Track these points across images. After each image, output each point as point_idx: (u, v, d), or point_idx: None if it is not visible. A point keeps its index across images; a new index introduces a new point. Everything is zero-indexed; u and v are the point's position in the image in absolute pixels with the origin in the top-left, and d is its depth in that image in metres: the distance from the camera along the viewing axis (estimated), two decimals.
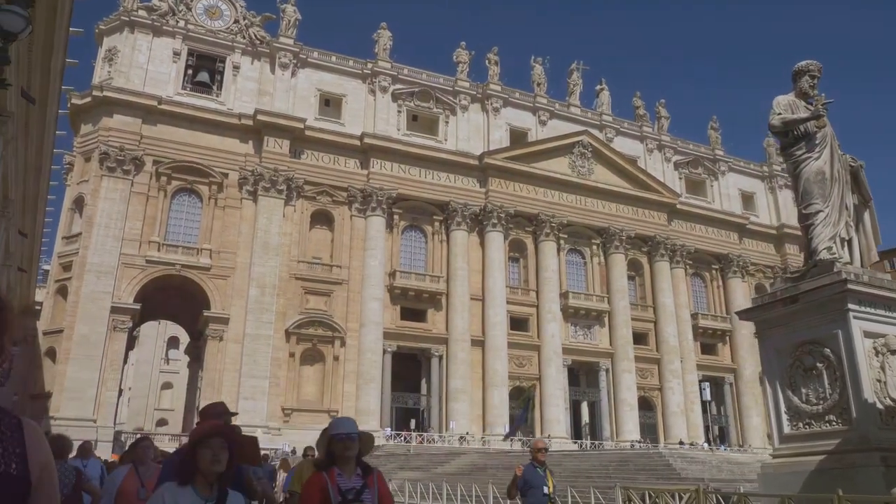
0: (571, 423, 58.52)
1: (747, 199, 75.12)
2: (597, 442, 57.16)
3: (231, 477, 4.17)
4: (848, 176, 12.22)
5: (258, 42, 56.53)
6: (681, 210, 68.34)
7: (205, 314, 49.20)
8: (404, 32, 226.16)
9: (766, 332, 12.02)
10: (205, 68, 55.54)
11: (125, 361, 53.16)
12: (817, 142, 12.06)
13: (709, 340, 67.67)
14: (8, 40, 8.75)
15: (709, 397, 59.78)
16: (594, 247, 63.71)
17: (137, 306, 47.69)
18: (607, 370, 60.64)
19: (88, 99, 50.38)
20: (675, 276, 66.28)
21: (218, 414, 5.89)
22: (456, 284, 56.02)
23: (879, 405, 10.12)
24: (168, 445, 40.71)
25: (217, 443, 4.00)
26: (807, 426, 10.90)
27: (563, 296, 59.85)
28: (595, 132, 66.79)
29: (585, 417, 61.51)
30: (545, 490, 9.68)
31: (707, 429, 62.67)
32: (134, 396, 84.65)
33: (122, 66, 51.85)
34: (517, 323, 58.28)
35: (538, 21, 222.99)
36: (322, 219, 54.99)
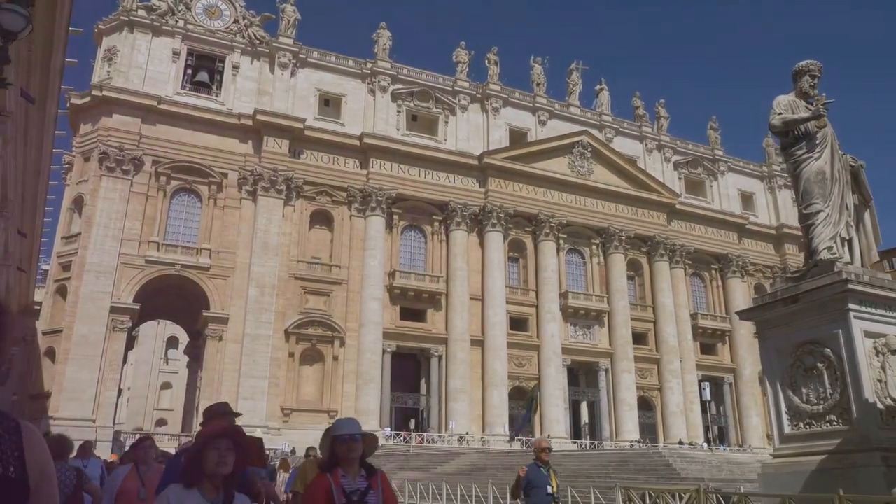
0: (571, 423, 58.54)
1: (747, 199, 75.16)
2: (596, 442, 57.17)
3: (237, 479, 4.09)
4: (848, 176, 12.23)
5: (258, 42, 56.51)
6: (680, 210, 68.37)
7: (204, 314, 49.17)
8: (404, 32, 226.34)
9: (767, 332, 12.03)
10: (204, 68, 55.50)
11: (124, 361, 53.14)
12: (818, 142, 12.06)
13: (708, 340, 67.70)
14: (8, 39, 8.74)
15: (708, 397, 59.78)
16: (594, 247, 63.73)
17: (137, 306, 47.65)
18: (607, 370, 60.66)
19: (88, 99, 50.33)
20: (675, 276, 66.31)
21: (221, 414, 5.85)
22: (455, 284, 56.02)
23: (880, 405, 10.12)
24: (167, 445, 40.70)
25: (223, 444, 3.92)
26: (807, 426, 10.90)
27: (563, 296, 59.86)
28: (594, 132, 66.81)
29: (585, 417, 61.51)
30: (549, 490, 9.66)
31: (706, 429, 62.69)
32: (133, 396, 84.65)
33: (122, 66, 51.82)
34: (517, 323, 58.28)
35: (538, 21, 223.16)
36: (321, 219, 54.97)
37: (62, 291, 47.64)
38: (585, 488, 20.80)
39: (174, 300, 54.17)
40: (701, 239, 69.28)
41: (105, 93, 49.66)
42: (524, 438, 52.86)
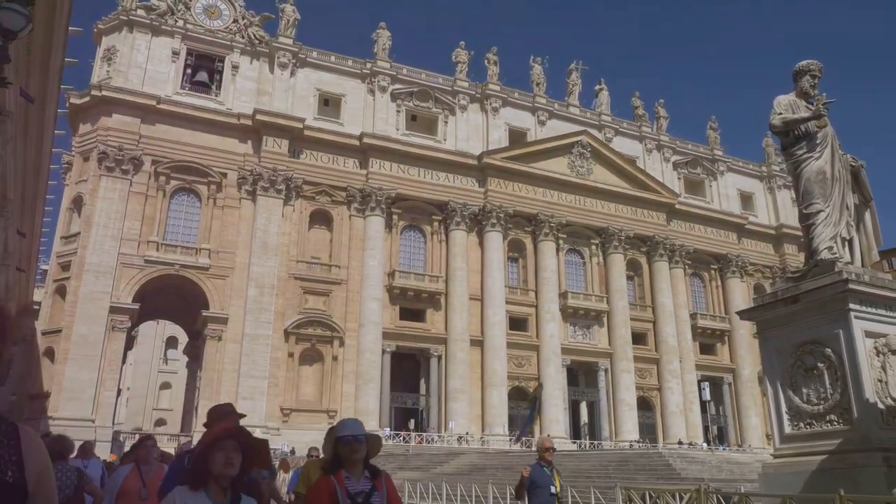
0: (570, 423, 58.53)
1: (746, 200, 75.17)
2: (596, 442, 57.17)
3: (244, 481, 4.03)
4: (849, 176, 12.24)
5: (257, 42, 56.47)
6: (680, 210, 68.39)
7: (203, 314, 49.14)
8: (403, 32, 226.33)
9: (767, 331, 12.04)
10: (204, 68, 55.47)
11: (124, 361, 53.09)
12: (818, 141, 12.07)
13: (707, 340, 67.72)
14: (8, 38, 8.72)
15: (708, 397, 59.77)
16: (593, 247, 63.73)
17: (136, 306, 47.62)
18: (606, 370, 60.66)
19: (87, 98, 50.27)
20: (674, 276, 66.33)
21: (225, 415, 5.82)
22: (455, 284, 56.01)
23: (881, 405, 10.13)
24: (167, 445, 40.65)
25: (230, 445, 3.85)
26: (808, 426, 10.90)
27: (562, 296, 59.85)
28: (594, 132, 66.82)
29: (584, 417, 61.50)
30: (552, 490, 9.63)
31: (706, 429, 62.70)
32: (132, 396, 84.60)
33: (121, 66, 51.78)
34: (516, 323, 58.27)
35: (537, 21, 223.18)
36: (321, 219, 54.94)
37: (61, 291, 47.59)
38: (585, 488, 20.80)
39: (173, 300, 54.12)
40: (700, 239, 69.30)
41: (104, 92, 49.62)
42: (524, 439, 52.85)
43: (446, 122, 61.43)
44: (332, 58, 59.34)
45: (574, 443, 55.55)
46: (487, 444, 50.38)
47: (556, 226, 60.80)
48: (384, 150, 56.66)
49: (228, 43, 55.58)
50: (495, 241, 58.51)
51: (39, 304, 49.80)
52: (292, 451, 39.79)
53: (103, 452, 33.70)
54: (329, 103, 58.01)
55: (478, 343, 55.79)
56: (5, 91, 12.46)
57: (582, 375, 62.25)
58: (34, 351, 46.57)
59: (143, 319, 57.39)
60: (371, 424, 47.51)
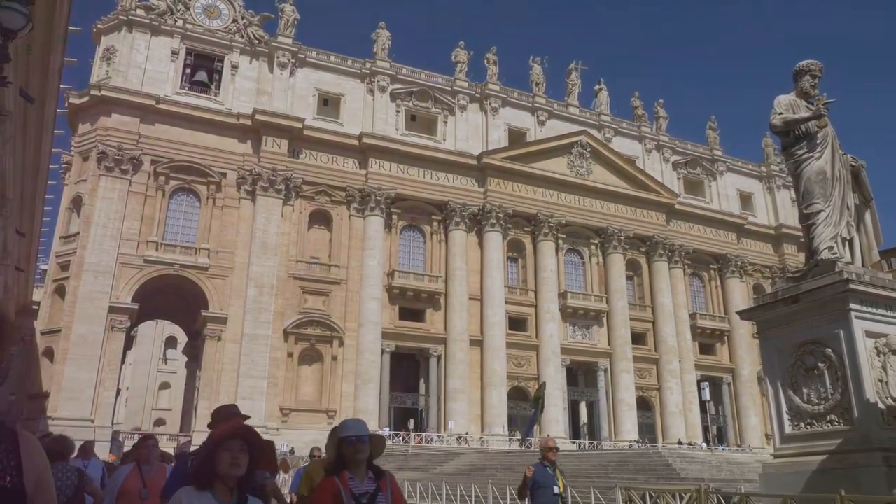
0: (570, 423, 58.54)
1: (745, 200, 75.19)
2: (595, 442, 57.16)
3: (251, 481, 3.98)
4: (849, 175, 12.24)
5: (257, 41, 56.44)
6: (679, 210, 68.40)
7: (203, 314, 49.10)
8: (403, 32, 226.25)
9: (768, 331, 12.04)
10: (203, 68, 55.44)
11: (123, 361, 53.05)
12: (818, 141, 12.07)
13: (707, 340, 67.73)
14: (8, 38, 8.71)
15: (708, 397, 59.75)
16: (593, 247, 63.73)
17: (135, 306, 47.57)
18: (606, 370, 60.66)
19: (86, 98, 50.23)
20: (674, 276, 66.34)
21: (230, 415, 5.79)
22: (454, 284, 56.00)
23: (881, 405, 10.13)
24: (166, 445, 40.61)
25: (236, 445, 3.82)
26: (808, 426, 10.90)
27: (562, 296, 59.85)
28: (593, 132, 66.82)
29: (584, 417, 61.49)
30: (555, 490, 9.59)
31: (705, 429, 62.70)
32: (132, 396, 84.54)
33: (121, 66, 51.74)
34: (516, 323, 58.27)
35: (537, 21, 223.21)
36: (320, 218, 54.92)
37: (61, 291, 47.54)
38: (585, 488, 20.79)
39: (173, 300, 54.09)
40: (700, 239, 69.32)
41: (104, 92, 49.58)
42: (526, 439, 52.82)
43: (446, 122, 61.43)
44: (332, 58, 59.32)
45: (573, 443, 55.54)
46: (487, 444, 50.36)
47: (555, 226, 60.80)
48: (384, 149, 56.64)
49: (228, 43, 55.54)
50: (495, 241, 58.50)
51: (38, 303, 49.77)
52: (291, 452, 39.78)
53: (102, 452, 33.68)
54: (328, 103, 57.99)
55: (477, 343, 55.78)
56: (5, 90, 12.44)
57: (581, 375, 62.25)
58: (33, 351, 46.54)
59: (143, 319, 57.35)
60: (370, 424, 47.37)
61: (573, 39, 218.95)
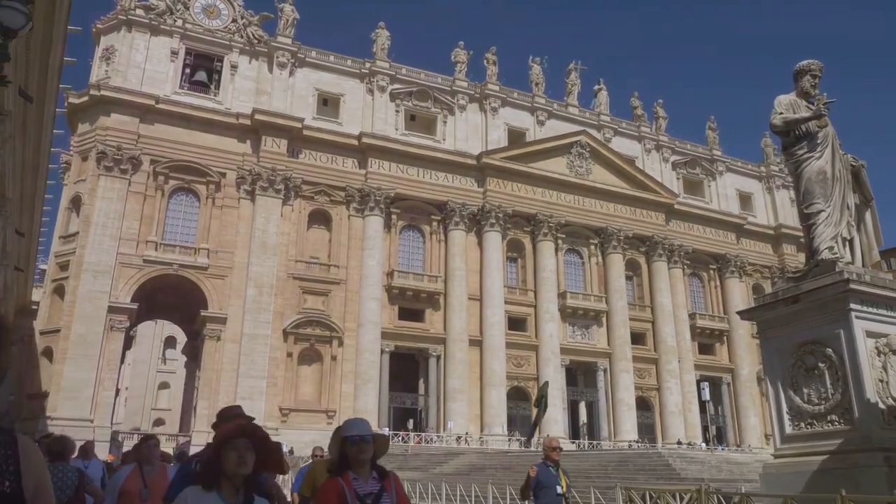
0: (569, 423, 58.52)
1: (745, 200, 75.20)
2: (594, 442, 57.16)
3: (258, 480, 3.94)
4: (849, 175, 12.24)
5: (256, 41, 56.42)
6: (678, 210, 68.41)
7: (202, 314, 49.07)
8: (402, 32, 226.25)
9: (768, 331, 12.04)
10: (202, 67, 55.41)
11: (122, 361, 53.02)
12: (819, 141, 12.08)
13: (706, 340, 67.74)
14: (8, 37, 8.69)
15: (707, 397, 59.76)
16: (592, 247, 63.73)
17: (135, 306, 47.54)
18: (605, 370, 60.67)
19: (86, 98, 50.17)
20: (673, 276, 66.35)
21: (234, 418, 5.77)
22: (454, 284, 55.99)
23: (882, 405, 10.13)
24: (165, 445, 40.57)
25: (242, 444, 3.78)
26: (809, 426, 10.90)
27: (561, 296, 59.86)
28: (593, 132, 66.82)
29: (583, 417, 61.49)
30: (559, 490, 9.55)
31: (705, 429, 62.71)
32: (131, 396, 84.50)
33: (120, 65, 51.71)
34: (515, 323, 58.26)
35: (536, 21, 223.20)
36: (320, 218, 54.89)
37: (60, 291, 47.51)
38: (585, 488, 20.77)
39: (172, 300, 54.06)
40: (699, 239, 69.33)
41: (103, 92, 49.54)
42: (521, 439, 52.80)
43: (445, 122, 61.41)
44: (331, 57, 59.29)
45: (573, 443, 55.51)
46: (486, 444, 50.34)
47: (554, 226, 60.80)
48: (383, 149, 56.62)
49: (227, 42, 55.51)
50: (494, 241, 58.50)
51: (38, 303, 49.71)
52: (291, 452, 39.73)
53: (101, 452, 33.66)
54: (328, 103, 57.96)
55: (477, 343, 55.77)
56: (4, 90, 12.42)
57: (581, 375, 62.26)
58: (32, 351, 46.49)
59: (142, 319, 57.33)
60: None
61: (573, 39, 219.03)
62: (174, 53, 53.69)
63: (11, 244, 27.64)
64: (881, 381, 10.31)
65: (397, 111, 59.68)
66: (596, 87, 72.21)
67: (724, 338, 68.10)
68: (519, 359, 57.23)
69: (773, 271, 71.72)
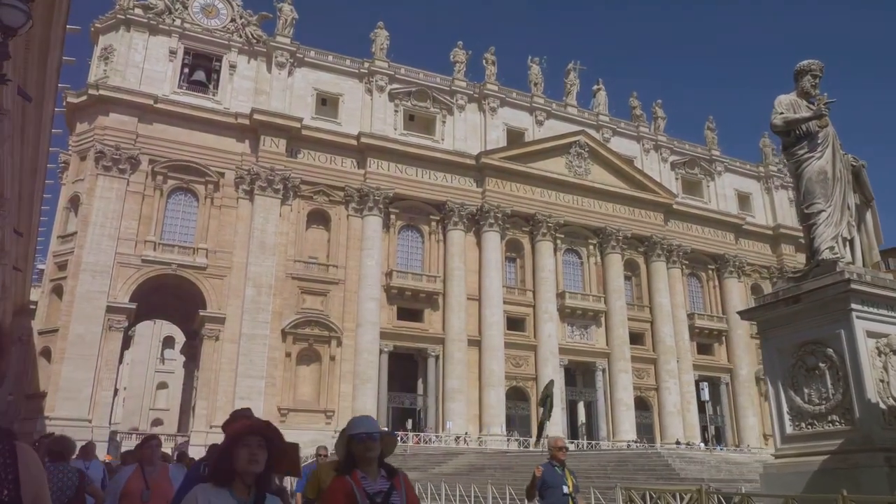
0: (568, 423, 58.50)
1: (743, 200, 75.24)
2: (593, 442, 57.15)
3: (270, 479, 3.89)
4: (850, 175, 12.25)
5: (255, 41, 56.35)
6: (677, 210, 68.44)
7: (201, 314, 48.99)
8: (401, 32, 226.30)
9: (769, 331, 12.03)
10: (201, 67, 55.33)
11: (120, 361, 52.96)
12: (819, 141, 12.08)
13: (705, 340, 67.77)
14: (8, 35, 8.65)
15: (706, 397, 59.80)
16: (591, 247, 63.73)
17: (133, 306, 47.45)
18: (604, 370, 60.68)
19: (84, 97, 50.09)
20: (672, 276, 66.37)
21: (245, 418, 5.74)
22: (452, 284, 55.96)
23: (882, 405, 10.13)
24: (164, 445, 40.50)
25: (254, 441, 3.75)
26: (809, 426, 10.90)
27: (560, 296, 59.85)
28: (592, 132, 66.82)
29: (582, 417, 61.48)
30: (565, 490, 9.51)
31: (703, 429, 62.73)
32: (129, 396, 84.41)
33: (118, 65, 51.63)
34: (514, 323, 58.24)
35: (535, 21, 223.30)
36: (318, 218, 54.84)
37: (58, 291, 47.42)
38: (585, 488, 20.72)
39: (171, 300, 53.99)
40: (698, 239, 69.35)
41: (101, 92, 49.46)
42: (521, 439, 52.80)
43: (444, 122, 61.39)
44: (330, 57, 59.23)
45: (572, 443, 55.39)
46: (485, 444, 50.32)
47: (553, 226, 60.80)
48: (382, 149, 56.58)
49: (226, 42, 55.44)
50: (493, 241, 58.48)
51: (36, 303, 49.63)
52: None
53: (100, 453, 33.59)
54: (327, 103, 57.91)
55: (475, 343, 55.75)
56: (3, 89, 12.38)
57: (579, 375, 62.26)
58: (31, 351, 46.42)
59: (140, 319, 57.23)
60: None
61: (572, 39, 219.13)
62: (173, 53, 53.61)
63: (10, 244, 27.57)
64: (882, 381, 10.31)
65: (396, 111, 59.65)
66: (595, 87, 72.24)
67: (723, 338, 68.13)
68: (517, 359, 57.23)
69: (771, 271, 71.76)
